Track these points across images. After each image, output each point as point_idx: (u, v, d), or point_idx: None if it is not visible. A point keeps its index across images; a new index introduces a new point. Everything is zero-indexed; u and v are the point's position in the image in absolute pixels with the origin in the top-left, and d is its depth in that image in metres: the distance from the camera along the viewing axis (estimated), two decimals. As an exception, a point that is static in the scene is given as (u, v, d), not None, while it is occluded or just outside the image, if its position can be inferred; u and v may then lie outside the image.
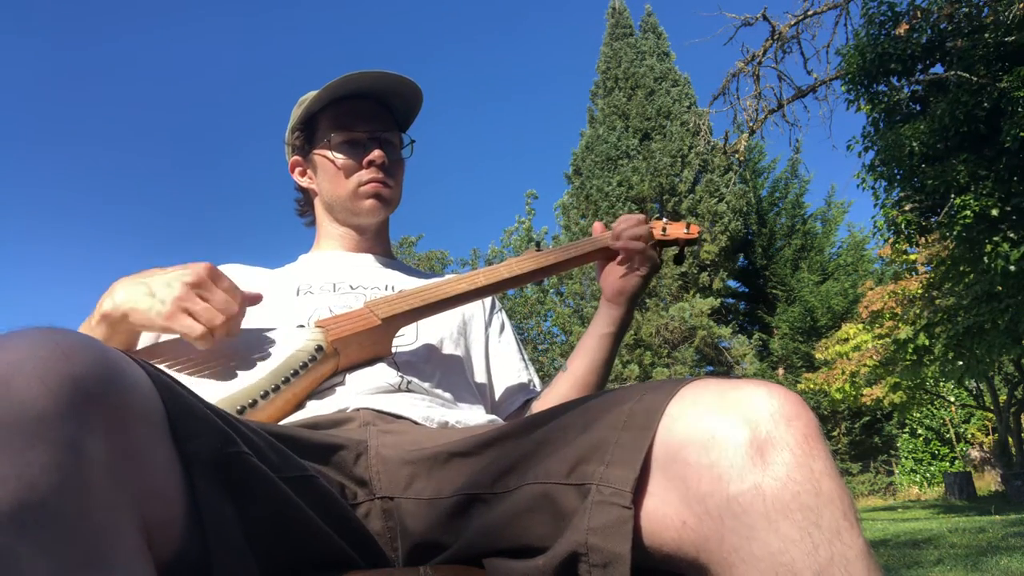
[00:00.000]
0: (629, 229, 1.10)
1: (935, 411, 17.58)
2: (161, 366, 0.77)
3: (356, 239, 1.14)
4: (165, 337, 0.89)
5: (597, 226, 1.14)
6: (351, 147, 1.08)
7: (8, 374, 0.39)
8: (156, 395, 0.48)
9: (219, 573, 0.49)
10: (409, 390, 0.90)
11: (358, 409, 0.83)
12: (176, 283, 0.78)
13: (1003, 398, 13.57)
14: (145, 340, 0.89)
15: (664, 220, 1.19)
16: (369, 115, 1.10)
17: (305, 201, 1.21)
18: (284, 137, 1.18)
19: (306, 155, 1.14)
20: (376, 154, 1.07)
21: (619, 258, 1.10)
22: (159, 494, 0.47)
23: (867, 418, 19.23)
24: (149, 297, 0.77)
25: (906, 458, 18.31)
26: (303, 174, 1.16)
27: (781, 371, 20.26)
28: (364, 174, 1.08)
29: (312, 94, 1.09)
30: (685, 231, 1.18)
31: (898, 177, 7.52)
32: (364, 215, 1.11)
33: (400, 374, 0.92)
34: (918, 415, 17.18)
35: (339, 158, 1.08)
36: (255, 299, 0.88)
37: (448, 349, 1.04)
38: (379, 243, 1.16)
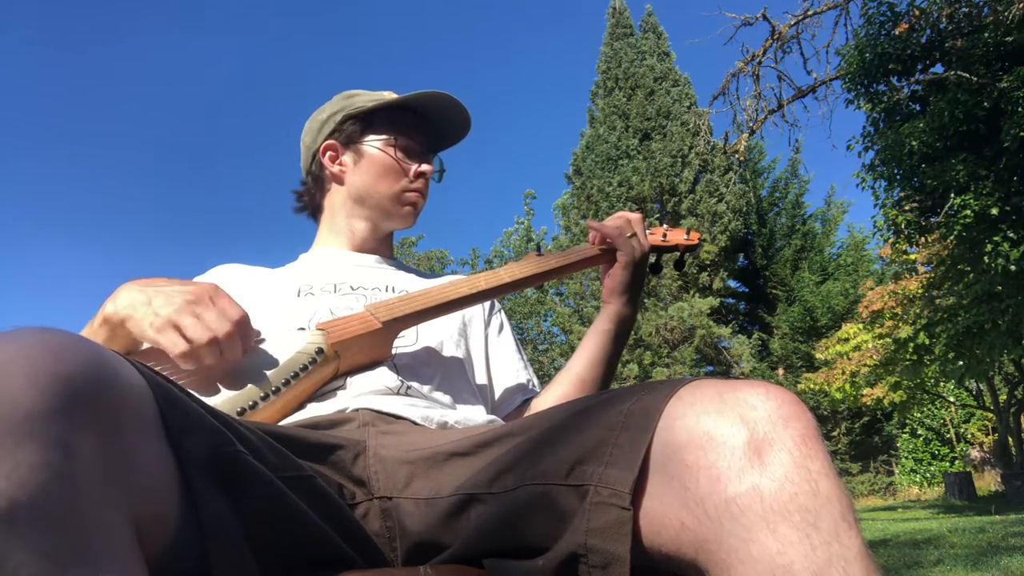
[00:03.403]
0: (608, 222, 1.11)
1: (935, 411, 17.57)
2: (159, 367, 0.77)
3: (365, 238, 1.14)
4: None
5: (592, 235, 1.13)
6: (410, 154, 1.13)
7: None
8: (150, 395, 0.48)
9: (218, 573, 0.49)
10: (408, 394, 0.90)
11: (357, 410, 0.83)
12: (176, 297, 0.77)
13: (1003, 398, 13.55)
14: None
15: (665, 226, 1.19)
16: (430, 132, 1.16)
17: (311, 192, 1.18)
18: (306, 126, 1.17)
19: (351, 143, 1.12)
20: (428, 168, 1.13)
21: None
22: (153, 493, 0.47)
23: (867, 418, 19.23)
24: (146, 307, 0.77)
25: (906, 458, 18.30)
26: (334, 160, 1.13)
27: (781, 371, 20.26)
28: (411, 182, 1.13)
29: (363, 92, 1.14)
30: (685, 237, 1.18)
31: (898, 177, 7.52)
32: (397, 219, 1.14)
33: (400, 378, 0.92)
34: (918, 415, 17.16)
35: (399, 157, 1.11)
36: (249, 329, 0.83)
37: (448, 351, 1.03)
38: (384, 245, 1.17)
